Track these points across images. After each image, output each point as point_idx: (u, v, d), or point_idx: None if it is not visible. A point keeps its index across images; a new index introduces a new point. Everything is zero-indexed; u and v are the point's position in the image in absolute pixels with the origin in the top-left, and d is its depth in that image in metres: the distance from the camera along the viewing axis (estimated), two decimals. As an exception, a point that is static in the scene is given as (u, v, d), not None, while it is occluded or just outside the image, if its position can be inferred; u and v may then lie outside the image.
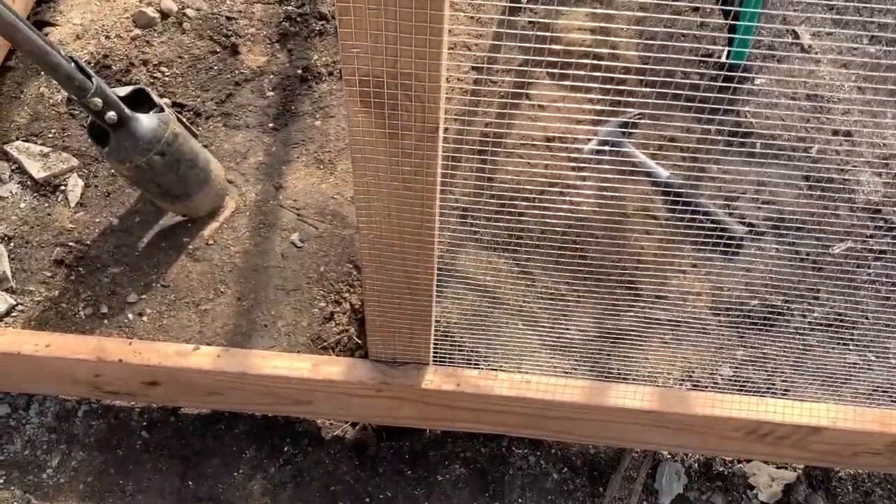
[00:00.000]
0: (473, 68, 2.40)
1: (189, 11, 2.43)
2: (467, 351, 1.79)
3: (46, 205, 2.09)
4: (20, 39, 1.58)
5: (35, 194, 2.11)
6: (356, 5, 0.95)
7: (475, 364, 1.77)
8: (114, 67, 2.32)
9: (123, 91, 1.83)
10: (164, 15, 2.42)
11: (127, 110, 1.77)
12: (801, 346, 1.88)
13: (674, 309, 1.94)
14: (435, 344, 1.61)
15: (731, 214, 2.11)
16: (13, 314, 1.92)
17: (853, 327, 1.94)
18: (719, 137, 2.25)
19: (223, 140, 2.25)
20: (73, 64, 1.66)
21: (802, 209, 2.12)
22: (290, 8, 2.49)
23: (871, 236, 2.09)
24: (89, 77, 1.68)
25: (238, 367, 1.64)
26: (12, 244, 2.02)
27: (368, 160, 1.19)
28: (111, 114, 1.73)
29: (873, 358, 1.90)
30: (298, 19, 2.48)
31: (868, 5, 2.39)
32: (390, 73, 1.05)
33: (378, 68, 1.04)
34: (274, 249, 2.05)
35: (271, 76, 2.37)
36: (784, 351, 1.87)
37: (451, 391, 1.61)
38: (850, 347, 1.91)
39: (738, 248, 2.05)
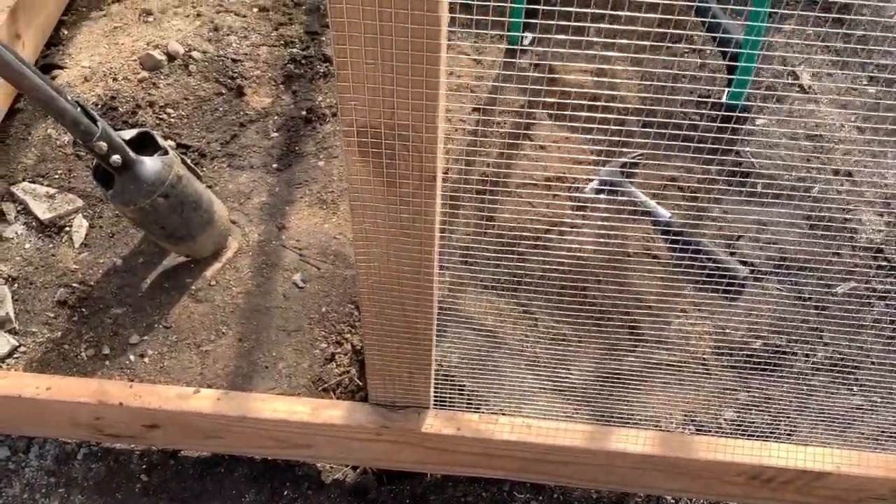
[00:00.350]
0: (475, 109, 2.43)
1: (195, 54, 2.47)
2: (468, 393, 1.78)
3: (51, 245, 2.11)
4: (28, 86, 1.61)
5: (40, 235, 2.13)
6: (354, 60, 0.97)
7: (476, 407, 1.76)
8: (120, 109, 2.35)
9: (128, 134, 1.85)
10: (171, 57, 2.46)
11: (131, 154, 1.79)
12: (804, 389, 1.86)
13: (676, 351, 1.93)
14: (436, 386, 1.61)
15: (732, 255, 2.11)
16: (15, 355, 1.92)
17: (857, 369, 1.93)
18: (720, 179, 2.26)
19: (227, 181, 2.27)
20: (78, 108, 1.69)
21: (804, 249, 2.12)
22: (294, 50, 2.53)
23: (874, 278, 2.09)
24: (95, 121, 1.71)
25: (238, 410, 1.63)
26: (16, 285, 2.03)
27: (367, 207, 1.20)
28: (116, 157, 1.75)
29: (878, 400, 1.88)
30: (303, 61, 2.52)
31: (866, 47, 2.41)
32: (388, 125, 1.06)
33: (376, 120, 1.05)
34: (276, 290, 2.06)
35: (276, 117, 2.40)
36: (788, 393, 1.85)
37: (451, 435, 1.60)
38: (855, 390, 1.90)
39: (741, 289, 2.05)
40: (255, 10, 2.65)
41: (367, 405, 1.63)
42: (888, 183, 2.28)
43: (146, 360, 1.92)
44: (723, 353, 1.95)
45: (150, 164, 1.83)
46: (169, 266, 2.08)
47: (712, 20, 2.39)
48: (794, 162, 2.31)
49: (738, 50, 2.26)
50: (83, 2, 2.69)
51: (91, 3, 2.68)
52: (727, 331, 1.99)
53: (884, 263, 2.12)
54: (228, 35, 2.55)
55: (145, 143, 1.89)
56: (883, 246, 2.15)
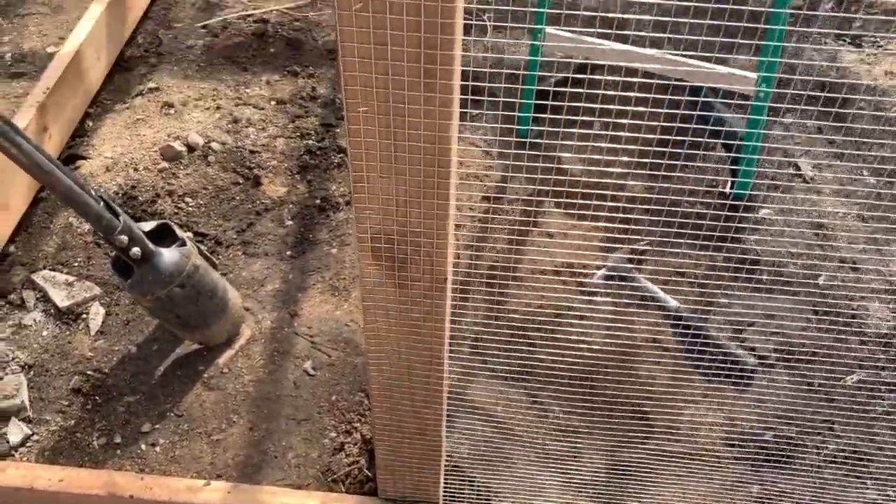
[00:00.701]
0: (484, 198, 2.49)
1: (214, 145, 2.56)
2: (478, 486, 1.78)
3: (68, 333, 2.15)
4: (53, 182, 1.68)
5: (57, 322, 2.17)
6: (369, 174, 1.02)
7: (486, 500, 1.75)
8: (140, 198, 2.42)
9: (148, 226, 1.91)
10: (191, 148, 2.55)
11: (151, 246, 1.84)
12: (817, 482, 1.85)
13: (686, 442, 1.93)
14: (445, 479, 1.61)
15: (740, 345, 2.12)
16: (28, 444, 1.94)
17: (870, 462, 1.91)
18: (726, 269, 2.29)
19: (242, 268, 2.32)
20: (101, 203, 1.75)
21: (812, 340, 2.13)
22: (310, 142, 2.62)
23: (884, 368, 2.09)
24: (117, 215, 1.77)
25: None
26: (32, 373, 2.06)
27: (379, 307, 1.24)
28: (136, 250, 1.80)
29: (893, 494, 1.86)
30: (318, 152, 2.60)
31: (869, 138, 2.47)
32: (400, 232, 1.10)
33: (389, 227, 1.10)
34: (287, 378, 2.07)
35: (291, 206, 2.47)
36: (800, 486, 1.83)
37: (460, 531, 1.59)
38: (868, 483, 1.88)
39: (750, 380, 2.05)
40: (273, 103, 2.75)
41: (376, 500, 1.63)
42: (893, 270, 2.31)
43: (157, 449, 1.93)
44: (734, 444, 1.94)
45: (168, 256, 1.88)
46: (182, 353, 2.11)
47: (716, 115, 2.47)
48: (799, 252, 2.34)
49: (743, 135, 2.33)
50: (108, 95, 2.80)
51: (115, 96, 2.80)
52: (737, 422, 1.98)
53: (893, 353, 2.12)
54: (247, 127, 2.64)
55: (164, 234, 1.94)
56: (892, 335, 2.15)
